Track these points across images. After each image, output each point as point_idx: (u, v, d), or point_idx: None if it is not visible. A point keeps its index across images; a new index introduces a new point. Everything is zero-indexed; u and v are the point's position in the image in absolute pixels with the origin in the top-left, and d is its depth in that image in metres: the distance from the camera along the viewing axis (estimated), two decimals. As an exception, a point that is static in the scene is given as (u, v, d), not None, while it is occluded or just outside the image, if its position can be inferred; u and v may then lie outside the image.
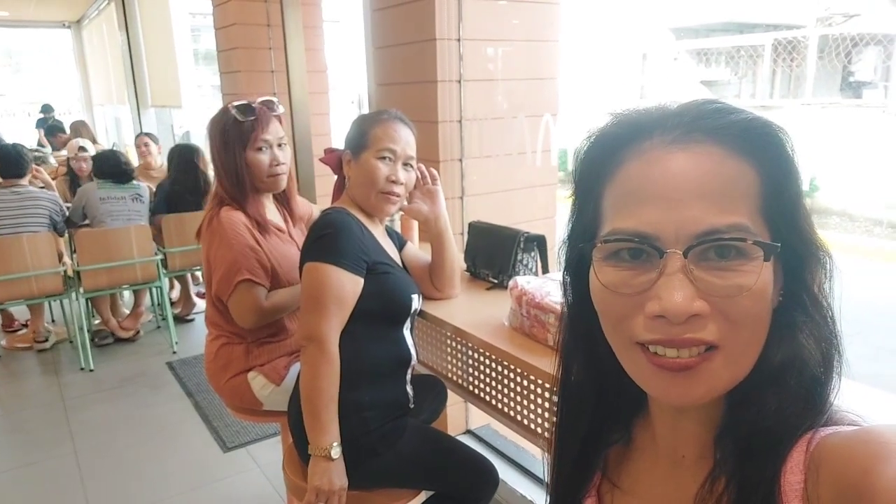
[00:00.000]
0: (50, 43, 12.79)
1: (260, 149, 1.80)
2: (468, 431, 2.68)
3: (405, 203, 1.67)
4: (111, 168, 3.87)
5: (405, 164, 1.56)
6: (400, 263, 1.68)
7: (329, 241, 1.45)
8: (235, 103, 1.80)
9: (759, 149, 0.53)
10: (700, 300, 0.51)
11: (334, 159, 1.66)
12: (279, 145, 1.84)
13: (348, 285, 1.44)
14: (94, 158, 4.25)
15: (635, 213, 0.54)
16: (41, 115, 9.03)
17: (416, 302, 1.61)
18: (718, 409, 0.58)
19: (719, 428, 0.58)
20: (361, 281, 1.46)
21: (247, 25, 3.96)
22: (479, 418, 2.67)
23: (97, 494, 2.51)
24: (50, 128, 7.83)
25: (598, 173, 0.58)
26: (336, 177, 1.73)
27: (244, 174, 1.79)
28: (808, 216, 0.55)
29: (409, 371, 1.62)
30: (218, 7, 4.10)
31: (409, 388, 1.61)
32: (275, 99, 1.87)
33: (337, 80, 4.95)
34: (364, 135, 1.55)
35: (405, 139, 1.56)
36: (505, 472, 2.31)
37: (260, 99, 1.84)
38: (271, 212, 1.92)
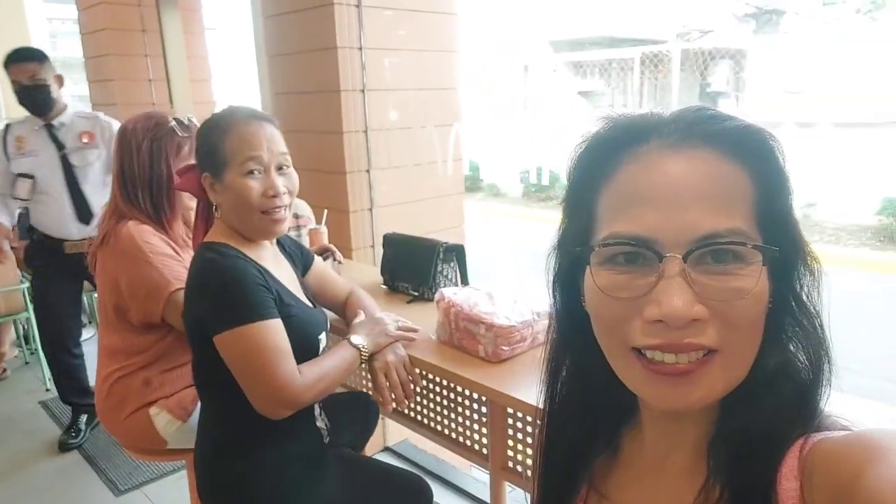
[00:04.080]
0: None
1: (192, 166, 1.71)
2: (386, 448, 2.63)
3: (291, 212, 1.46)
4: None
5: (279, 168, 1.32)
6: (300, 288, 1.49)
7: (235, 297, 1.24)
8: (175, 116, 1.73)
9: (754, 155, 0.54)
10: (699, 305, 0.51)
11: (193, 183, 1.39)
12: None
13: (281, 332, 1.26)
14: None
15: (633, 216, 0.53)
16: None
17: (324, 341, 1.45)
18: (712, 415, 0.58)
19: (712, 434, 0.58)
20: (281, 322, 1.28)
21: (119, 31, 3.69)
22: (396, 434, 2.62)
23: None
24: None
25: (593, 177, 0.57)
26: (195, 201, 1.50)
27: (172, 189, 1.68)
28: (796, 223, 0.56)
29: (317, 406, 1.48)
30: (85, 11, 3.78)
31: (320, 423, 1.49)
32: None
33: (219, 89, 4.73)
34: (217, 150, 1.29)
35: (268, 138, 1.30)
36: (437, 491, 2.29)
37: (188, 116, 1.77)
38: (181, 231, 1.79)
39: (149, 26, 3.70)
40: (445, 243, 1.81)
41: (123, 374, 1.70)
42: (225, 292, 1.24)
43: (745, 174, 0.54)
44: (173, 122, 1.68)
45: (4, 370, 3.72)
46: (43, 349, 3.01)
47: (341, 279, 1.69)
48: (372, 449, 2.53)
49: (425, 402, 1.74)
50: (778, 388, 0.55)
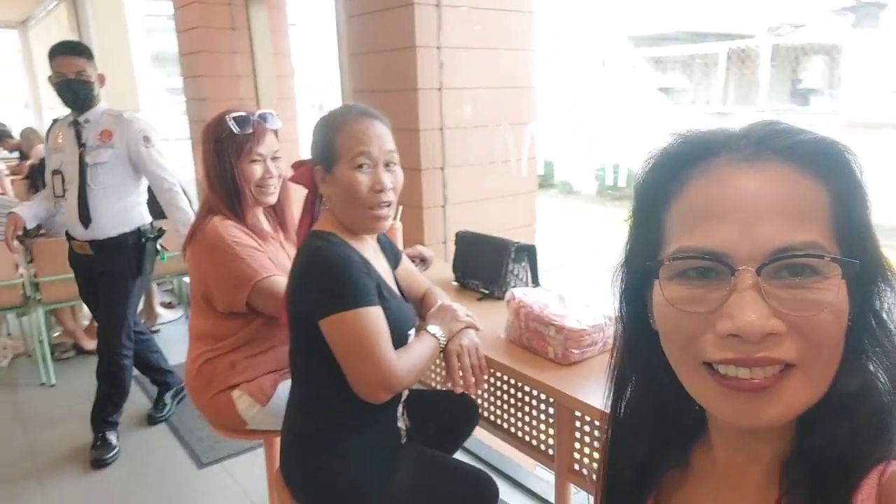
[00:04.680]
0: (-7, 43, 12.28)
1: (254, 161, 1.78)
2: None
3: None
4: None
5: (387, 165, 1.36)
6: (394, 282, 1.55)
7: (342, 284, 1.30)
8: (233, 114, 1.77)
9: (830, 168, 0.53)
10: (775, 319, 0.50)
11: (306, 176, 1.46)
12: (273, 158, 1.82)
13: (382, 319, 1.32)
14: (35, 171, 4.09)
15: (705, 230, 0.53)
16: None
17: (412, 336, 1.48)
18: (787, 434, 0.57)
19: (788, 454, 0.57)
20: (381, 310, 1.34)
21: (210, 29, 3.87)
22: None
23: (65, 519, 2.40)
24: None
25: (663, 192, 0.57)
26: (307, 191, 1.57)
27: (242, 184, 1.77)
28: (875, 237, 0.55)
29: (400, 407, 1.53)
30: (180, 9, 3.99)
31: (400, 423, 1.53)
32: (273, 112, 1.84)
33: (299, 84, 4.89)
34: (330, 144, 1.35)
35: (378, 135, 1.34)
36: (503, 489, 2.31)
37: (258, 112, 1.81)
38: (263, 222, 1.89)
39: (238, 24, 3.86)
40: (517, 243, 1.82)
41: (211, 357, 1.80)
42: (332, 278, 1.30)
43: (820, 188, 0.53)
44: (231, 122, 1.74)
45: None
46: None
47: (420, 276, 1.74)
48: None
49: (493, 399, 1.77)
50: (857, 409, 0.54)
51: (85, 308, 4.33)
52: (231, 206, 1.77)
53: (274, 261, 1.78)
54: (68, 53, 2.61)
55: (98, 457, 2.73)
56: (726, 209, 0.52)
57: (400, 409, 1.53)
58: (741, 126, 0.56)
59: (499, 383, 1.72)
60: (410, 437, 1.57)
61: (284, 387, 1.75)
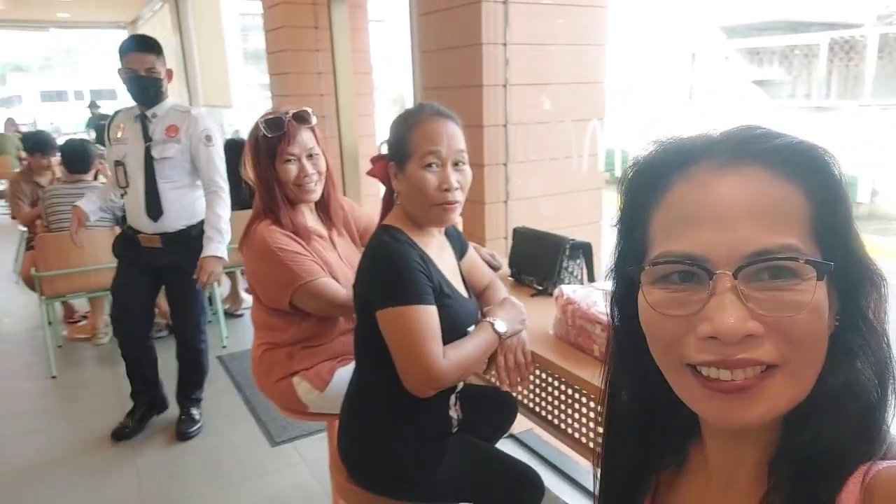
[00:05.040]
0: (106, 43, 13.29)
1: (288, 161, 1.82)
2: (511, 435, 2.69)
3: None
4: None
5: (455, 164, 1.40)
6: (459, 277, 1.59)
7: (398, 280, 1.36)
8: (265, 118, 1.82)
9: (807, 171, 0.54)
10: (753, 321, 0.51)
11: (382, 171, 1.53)
12: (309, 157, 1.85)
13: (434, 318, 1.37)
14: None
15: (685, 235, 0.54)
16: (90, 114, 9.40)
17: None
18: (774, 433, 0.58)
19: (775, 452, 0.57)
20: (436, 308, 1.39)
21: (295, 28, 4.04)
22: (522, 422, 2.67)
23: (149, 479, 2.61)
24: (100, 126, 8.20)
25: (646, 199, 0.59)
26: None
27: (275, 186, 1.82)
28: (859, 239, 0.55)
29: (453, 397, 1.58)
30: (268, 10, 4.20)
31: (452, 413, 1.58)
32: (308, 110, 1.87)
33: (379, 80, 5.01)
34: (403, 142, 1.40)
35: (449, 135, 1.39)
36: (548, 479, 2.31)
37: (293, 111, 1.84)
38: (311, 220, 1.93)
39: (320, 23, 4.02)
40: (572, 240, 1.82)
41: (269, 347, 1.91)
42: (391, 274, 1.37)
43: (798, 191, 0.53)
44: (262, 126, 1.80)
45: (189, 326, 4.29)
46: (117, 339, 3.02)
47: (485, 267, 1.76)
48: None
49: (543, 394, 1.78)
50: (843, 407, 0.54)
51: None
52: (272, 208, 1.83)
53: (322, 260, 1.84)
54: (140, 50, 2.65)
55: (183, 430, 2.95)
56: (705, 214, 0.54)
57: (453, 398, 1.58)
58: (720, 131, 0.57)
59: (550, 379, 1.73)
60: (460, 427, 1.62)
61: (341, 373, 1.83)
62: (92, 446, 2.91)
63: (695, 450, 0.68)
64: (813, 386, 0.54)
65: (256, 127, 1.83)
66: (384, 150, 1.50)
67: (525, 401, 1.83)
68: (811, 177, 0.54)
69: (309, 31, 4.05)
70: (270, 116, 1.81)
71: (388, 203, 1.57)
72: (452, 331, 1.42)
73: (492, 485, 1.55)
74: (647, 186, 0.59)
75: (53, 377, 3.61)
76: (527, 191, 2.42)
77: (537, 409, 1.81)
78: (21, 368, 3.77)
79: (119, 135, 2.75)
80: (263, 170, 1.82)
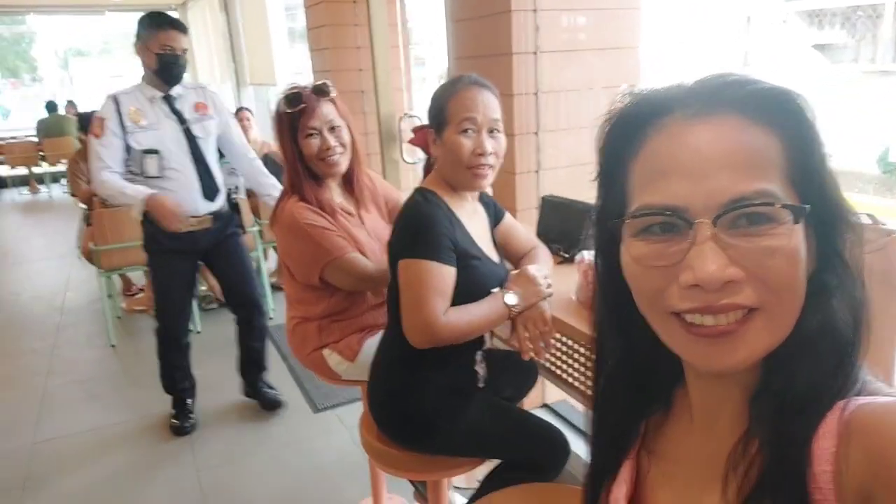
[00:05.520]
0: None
1: (309, 135, 1.82)
2: (545, 405, 2.71)
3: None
4: None
5: (490, 131, 1.46)
6: (491, 243, 1.63)
7: (420, 235, 1.43)
8: (284, 93, 1.83)
9: (781, 116, 0.54)
10: (733, 266, 0.52)
11: (423, 139, 1.62)
12: (330, 129, 1.84)
13: (446, 277, 1.43)
14: None
15: (662, 187, 0.55)
16: None
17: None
18: (754, 374, 0.59)
19: (755, 390, 0.59)
20: (454, 270, 1.45)
21: (333, 2, 4.06)
22: (555, 393, 2.69)
23: (202, 443, 2.76)
24: None
25: (622, 152, 0.59)
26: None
27: (297, 162, 1.84)
28: (835, 181, 0.55)
29: (479, 353, 1.63)
30: (310, 8, 4.23)
31: (478, 368, 1.63)
32: (328, 82, 1.87)
33: (427, 54, 4.99)
34: (442, 110, 1.48)
35: (484, 103, 1.45)
36: (581, 447, 2.33)
37: (312, 84, 1.85)
38: (338, 195, 1.95)
39: (360, 20, 4.01)
40: (599, 207, 1.80)
41: (300, 321, 1.97)
42: (416, 229, 1.45)
43: (772, 136, 0.53)
44: (281, 101, 1.82)
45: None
46: (156, 336, 2.91)
47: (527, 236, 1.77)
48: (530, 405, 2.63)
49: (570, 361, 1.79)
50: (819, 345, 0.55)
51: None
52: (297, 185, 1.85)
53: (350, 236, 1.86)
54: (178, 29, 2.57)
55: (276, 400, 3.04)
56: (681, 165, 0.54)
57: (479, 355, 1.63)
58: (693, 80, 0.57)
59: (572, 343, 1.74)
60: (486, 384, 1.65)
61: (370, 343, 1.89)
62: (148, 409, 3.09)
63: (680, 394, 0.70)
64: (793, 327, 0.55)
65: (278, 104, 1.85)
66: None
67: (554, 368, 1.85)
68: (785, 122, 0.54)
69: (347, 5, 4.06)
70: (289, 92, 1.83)
71: (428, 168, 1.65)
72: (476, 292, 1.48)
73: (517, 441, 1.60)
74: (623, 139, 0.59)
75: (112, 346, 3.82)
76: (558, 160, 2.39)
77: (565, 376, 1.83)
78: (83, 338, 4.00)
79: (143, 122, 2.56)
80: (287, 146, 1.84)
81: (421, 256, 1.41)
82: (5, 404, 3.20)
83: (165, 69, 2.57)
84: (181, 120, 2.63)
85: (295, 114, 1.81)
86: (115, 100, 2.56)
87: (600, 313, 0.70)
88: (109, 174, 2.52)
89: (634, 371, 0.69)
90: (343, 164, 1.89)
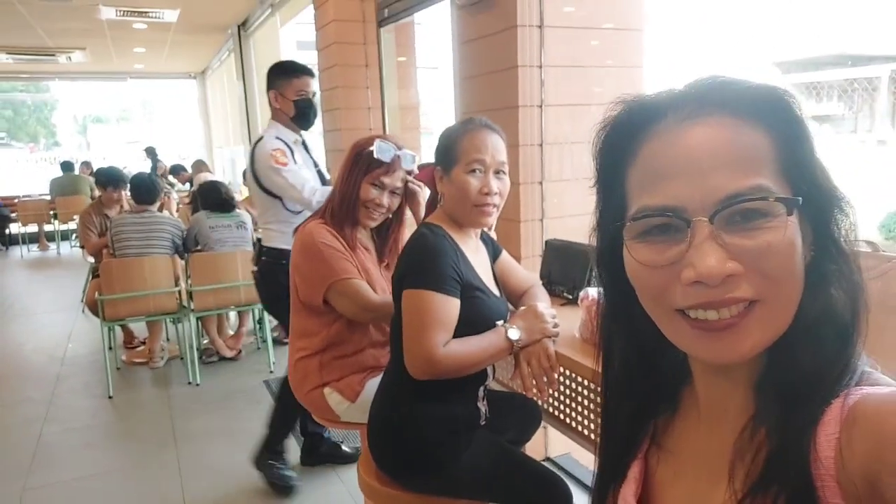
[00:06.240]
0: (178, 92, 14.19)
1: (374, 185, 1.88)
2: (547, 459, 2.64)
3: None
4: (215, 199, 4.21)
5: (497, 173, 1.52)
6: (492, 277, 1.66)
7: (425, 266, 1.46)
8: (384, 140, 1.87)
9: (770, 113, 0.56)
10: (732, 261, 0.53)
11: (428, 175, 1.68)
12: (392, 191, 1.92)
13: (449, 309, 1.44)
14: (199, 191, 4.61)
15: (660, 189, 0.57)
16: (152, 161, 10.05)
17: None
18: (759, 365, 0.59)
19: (759, 379, 0.59)
20: (458, 302, 1.46)
21: (345, 66, 4.23)
22: (559, 445, 2.63)
23: (194, 494, 2.68)
24: (174, 168, 8.84)
25: (619, 158, 0.61)
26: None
27: (348, 195, 1.89)
28: (825, 170, 0.57)
29: (482, 389, 1.62)
30: (322, 51, 4.42)
31: (480, 405, 1.61)
32: (415, 156, 1.93)
33: (434, 125, 5.16)
34: (451, 149, 1.53)
35: (493, 146, 1.51)
36: (584, 502, 2.26)
37: (403, 149, 1.90)
38: (365, 238, 2.01)
39: (370, 61, 4.20)
40: (602, 249, 1.82)
41: (303, 356, 1.97)
42: (421, 260, 1.47)
43: (762, 132, 0.55)
44: (376, 145, 1.87)
45: (240, 352, 4.43)
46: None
47: (526, 273, 1.79)
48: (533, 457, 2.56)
49: (573, 405, 1.76)
50: (821, 332, 0.56)
51: (232, 319, 4.84)
52: (339, 213, 1.90)
53: (363, 268, 1.90)
54: (309, 74, 2.66)
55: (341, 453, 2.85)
56: (676, 166, 0.56)
57: (481, 391, 1.61)
58: (684, 85, 0.60)
59: (576, 386, 1.72)
60: (488, 423, 1.62)
61: (372, 384, 1.87)
62: (141, 459, 3.02)
63: (686, 393, 0.70)
64: (794, 315, 0.56)
65: (367, 143, 1.88)
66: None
67: (557, 413, 1.82)
68: (774, 118, 0.56)
69: (359, 69, 4.23)
70: (386, 142, 1.87)
71: (432, 205, 1.69)
72: (478, 323, 1.48)
73: (518, 485, 1.55)
74: (619, 146, 0.61)
75: (110, 397, 3.77)
76: (562, 209, 2.43)
77: (569, 420, 1.79)
78: (81, 388, 3.96)
79: (299, 160, 2.65)
80: (350, 178, 1.89)
81: (424, 287, 1.42)
82: (-2, 451, 3.14)
83: (302, 114, 2.67)
84: (315, 163, 2.76)
85: (378, 161, 1.86)
86: (276, 137, 2.63)
87: (606, 318, 0.71)
88: (313, 185, 2.57)
89: (641, 373, 0.70)
90: (377, 223, 1.96)
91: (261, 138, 2.66)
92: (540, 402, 1.85)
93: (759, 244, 0.53)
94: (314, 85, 2.69)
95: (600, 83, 2.46)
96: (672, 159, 0.56)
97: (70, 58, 9.15)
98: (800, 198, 0.54)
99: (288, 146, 2.63)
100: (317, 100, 2.74)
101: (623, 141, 0.61)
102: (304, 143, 2.75)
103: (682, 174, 0.55)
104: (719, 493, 0.59)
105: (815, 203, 0.56)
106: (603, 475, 0.74)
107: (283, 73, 2.66)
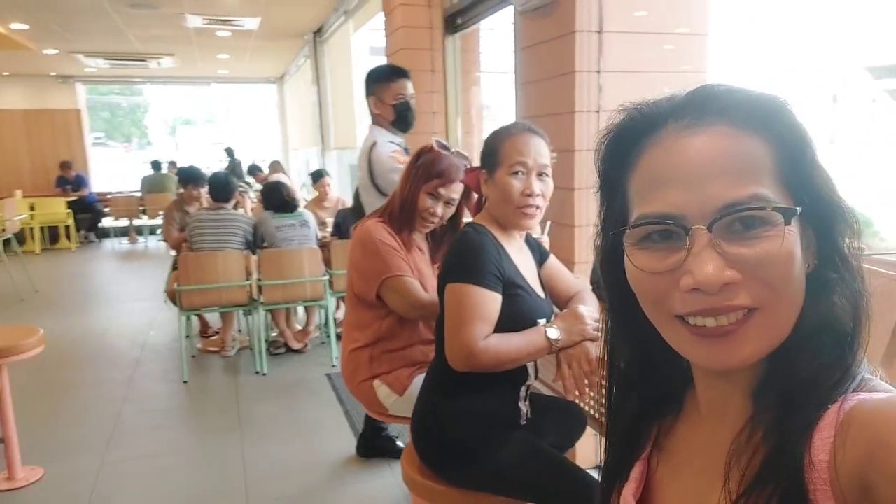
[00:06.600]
0: (259, 96, 14.83)
1: (431, 195, 1.94)
2: (598, 467, 2.62)
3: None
4: (277, 200, 4.40)
5: (539, 175, 1.54)
6: (537, 280, 1.68)
7: (468, 261, 1.50)
8: (453, 152, 1.91)
9: (769, 122, 0.56)
10: (731, 269, 0.54)
11: (474, 179, 1.72)
12: (447, 202, 1.97)
13: (490, 303, 1.47)
14: (262, 192, 4.81)
15: (659, 197, 0.57)
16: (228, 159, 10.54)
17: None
18: (759, 369, 0.60)
19: (758, 383, 0.60)
20: (500, 297, 1.49)
21: (414, 72, 4.32)
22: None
23: (254, 476, 2.82)
24: (251, 168, 9.29)
25: (620, 166, 0.62)
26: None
27: (407, 200, 1.95)
28: (828, 179, 0.57)
29: (524, 388, 1.64)
30: (390, 57, 4.54)
31: (522, 405, 1.63)
32: (465, 163, 1.96)
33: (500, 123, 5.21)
34: (495, 152, 1.56)
35: (535, 150, 1.53)
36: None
37: (462, 162, 1.94)
38: (420, 240, 2.09)
39: (436, 67, 4.28)
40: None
41: (355, 348, 2.05)
42: (464, 256, 1.52)
43: (762, 141, 0.56)
44: (435, 144, 1.93)
45: (307, 345, 4.60)
46: None
47: (574, 279, 1.81)
48: (584, 464, 2.54)
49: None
50: (821, 339, 0.56)
51: (301, 314, 5.03)
52: (398, 217, 1.97)
53: (416, 268, 1.97)
54: (406, 77, 2.69)
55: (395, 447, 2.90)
56: (676, 175, 0.57)
57: (523, 391, 1.63)
58: (684, 93, 0.61)
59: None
60: (529, 425, 1.65)
61: (420, 379, 1.91)
62: (210, 441, 3.21)
63: (689, 396, 0.71)
64: (794, 323, 0.57)
65: (430, 151, 1.95)
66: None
67: (601, 418, 1.81)
68: (773, 126, 0.56)
69: (426, 75, 4.32)
70: (455, 155, 1.93)
71: (477, 208, 1.74)
72: (519, 321, 1.51)
73: (556, 487, 1.55)
74: (620, 153, 0.62)
75: (185, 382, 4.01)
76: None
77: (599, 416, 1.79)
78: (159, 373, 4.22)
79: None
80: (411, 184, 1.95)
81: (466, 281, 1.47)
82: (82, 425, 3.40)
83: (402, 118, 2.71)
84: None
85: (437, 172, 1.91)
86: (388, 141, 2.70)
87: (610, 322, 0.72)
88: None
89: (645, 377, 0.71)
90: (430, 229, 2.03)
91: (374, 143, 2.66)
92: (587, 409, 1.85)
93: (758, 253, 0.54)
94: (410, 87, 2.68)
95: (661, 89, 2.43)
96: (671, 168, 0.57)
97: (160, 63, 9.75)
98: (798, 207, 0.54)
99: (402, 147, 2.67)
100: (414, 103, 2.72)
101: (624, 149, 0.62)
102: (405, 148, 2.78)
103: (682, 182, 0.56)
104: (717, 492, 0.60)
105: (817, 212, 0.56)
106: (607, 476, 0.76)
107: (380, 78, 2.69)
